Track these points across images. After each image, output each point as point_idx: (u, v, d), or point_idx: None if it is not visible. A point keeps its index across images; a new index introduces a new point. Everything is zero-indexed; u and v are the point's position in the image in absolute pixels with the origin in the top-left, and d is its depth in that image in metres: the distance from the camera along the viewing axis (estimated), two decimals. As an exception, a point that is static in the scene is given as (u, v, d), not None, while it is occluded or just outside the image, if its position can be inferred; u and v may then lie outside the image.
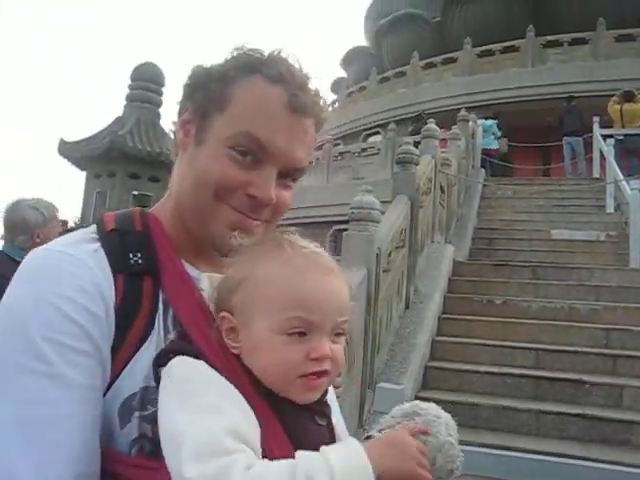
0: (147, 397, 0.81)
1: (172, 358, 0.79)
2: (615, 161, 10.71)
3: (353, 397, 4.50)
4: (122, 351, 0.83)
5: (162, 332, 0.87)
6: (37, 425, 0.75)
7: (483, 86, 16.18)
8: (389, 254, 5.40)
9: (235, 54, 0.94)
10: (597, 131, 12.20)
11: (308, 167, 0.97)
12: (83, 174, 16.58)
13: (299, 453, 0.71)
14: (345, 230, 5.02)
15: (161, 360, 0.80)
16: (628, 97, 12.29)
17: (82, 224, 17.87)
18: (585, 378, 5.24)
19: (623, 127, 12.23)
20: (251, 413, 0.75)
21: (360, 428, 4.47)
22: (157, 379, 0.80)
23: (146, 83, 17.40)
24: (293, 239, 0.87)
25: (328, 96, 23.92)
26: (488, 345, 5.90)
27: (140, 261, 0.88)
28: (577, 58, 15.82)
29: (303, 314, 0.79)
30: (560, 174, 13.61)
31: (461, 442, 0.94)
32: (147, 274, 0.88)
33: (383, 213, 5.41)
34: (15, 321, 0.79)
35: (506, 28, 16.91)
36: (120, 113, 16.43)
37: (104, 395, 0.81)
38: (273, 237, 0.89)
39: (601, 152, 11.85)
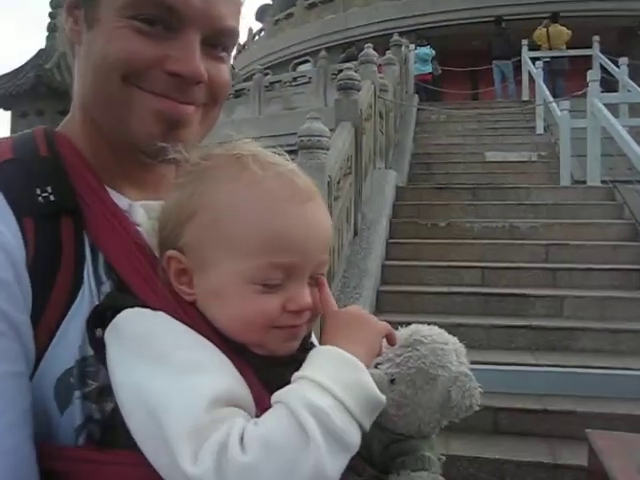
0: (86, 370, 0.65)
1: (110, 316, 0.63)
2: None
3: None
4: (46, 318, 0.65)
5: (94, 285, 0.68)
6: None
7: (412, 10, 15.94)
8: (338, 181, 5.37)
9: None
10: (526, 54, 12.36)
11: (239, 32, 0.76)
12: (8, 113, 15.53)
13: (281, 393, 0.58)
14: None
15: (97, 320, 0.64)
16: (554, 18, 12.53)
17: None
18: (528, 292, 5.49)
19: (550, 49, 12.46)
20: (233, 368, 0.61)
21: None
22: (94, 344, 0.64)
23: (70, 9, 16.11)
24: (259, 152, 0.69)
25: (254, 25, 23.14)
26: (435, 267, 6.05)
27: (52, 197, 0.67)
28: (504, -20, 15.79)
29: (281, 259, 0.63)
30: (490, 98, 13.80)
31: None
32: (64, 213, 0.68)
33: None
34: None
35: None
36: (42, 45, 15.24)
37: (31, 378, 0.64)
38: (231, 149, 0.69)
39: (529, 74, 12.05)
